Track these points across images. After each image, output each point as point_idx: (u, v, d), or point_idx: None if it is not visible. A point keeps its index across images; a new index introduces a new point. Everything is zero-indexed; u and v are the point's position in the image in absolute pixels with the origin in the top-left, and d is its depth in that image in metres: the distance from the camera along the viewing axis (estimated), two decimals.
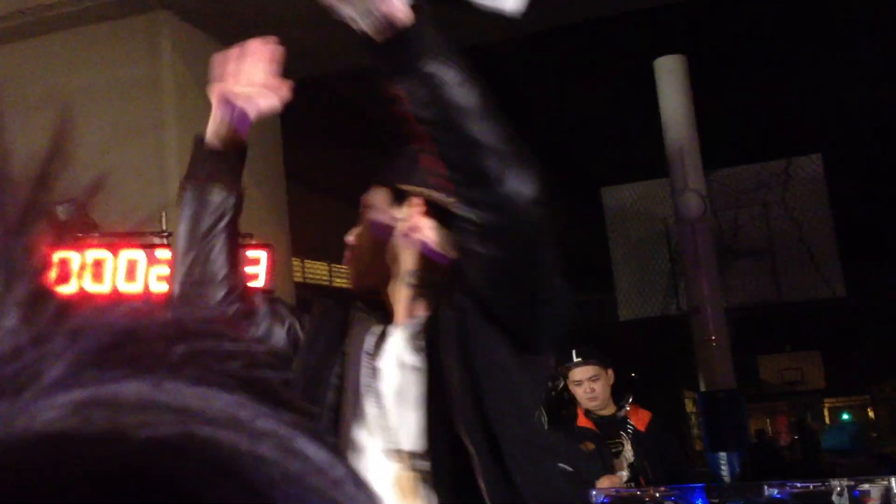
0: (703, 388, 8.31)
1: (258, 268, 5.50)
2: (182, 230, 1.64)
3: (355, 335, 1.67)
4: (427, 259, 1.64)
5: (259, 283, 5.37)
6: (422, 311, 1.63)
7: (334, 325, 1.71)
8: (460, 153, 1.40)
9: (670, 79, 7.76)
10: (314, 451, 0.31)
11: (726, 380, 8.11)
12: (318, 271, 9.29)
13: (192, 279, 1.61)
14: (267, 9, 5.74)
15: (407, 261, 1.65)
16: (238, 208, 1.65)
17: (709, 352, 8.13)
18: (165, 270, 5.37)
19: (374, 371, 1.60)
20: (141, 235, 5.52)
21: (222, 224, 1.62)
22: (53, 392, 0.30)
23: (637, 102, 7.93)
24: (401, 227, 1.65)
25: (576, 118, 8.68)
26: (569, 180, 8.55)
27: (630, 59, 7.66)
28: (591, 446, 4.13)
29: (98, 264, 5.33)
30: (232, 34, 6.14)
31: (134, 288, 5.39)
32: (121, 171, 5.61)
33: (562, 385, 4.56)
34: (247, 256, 5.26)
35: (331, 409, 1.60)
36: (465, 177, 1.41)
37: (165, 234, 5.46)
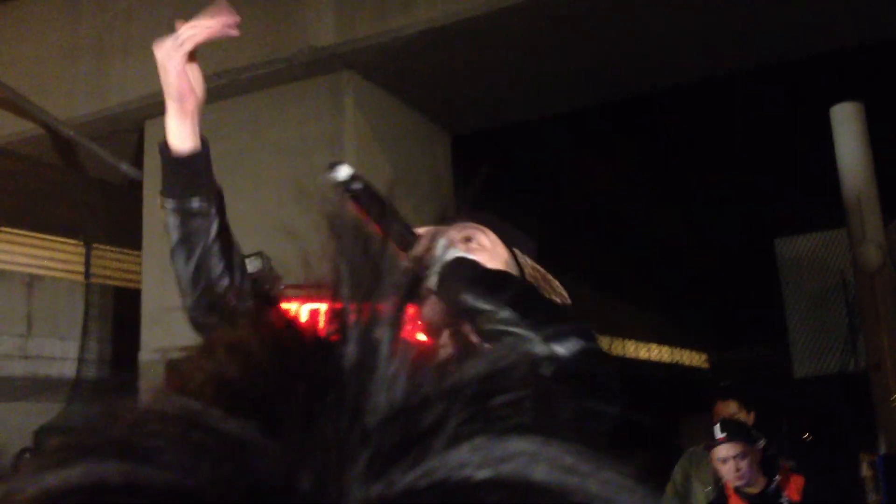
0: (883, 451, 7.89)
1: None
2: (179, 259, 1.57)
3: None
4: None
5: None
6: None
7: None
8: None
9: (847, 126, 7.53)
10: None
11: None
12: None
13: (203, 302, 1.58)
14: (442, 65, 5.94)
15: None
16: (222, 209, 1.61)
17: (890, 411, 7.74)
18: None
19: None
20: (320, 287, 5.71)
21: (212, 237, 1.57)
22: (462, 445, 0.33)
23: (813, 150, 7.74)
24: None
25: (750, 166, 8.53)
26: (743, 230, 8.38)
27: (806, 107, 7.49)
28: None
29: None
30: (410, 91, 6.40)
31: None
32: (304, 225, 5.86)
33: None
34: None
35: None
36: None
37: None
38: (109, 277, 7.15)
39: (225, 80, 6.09)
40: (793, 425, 9.18)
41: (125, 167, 6.51)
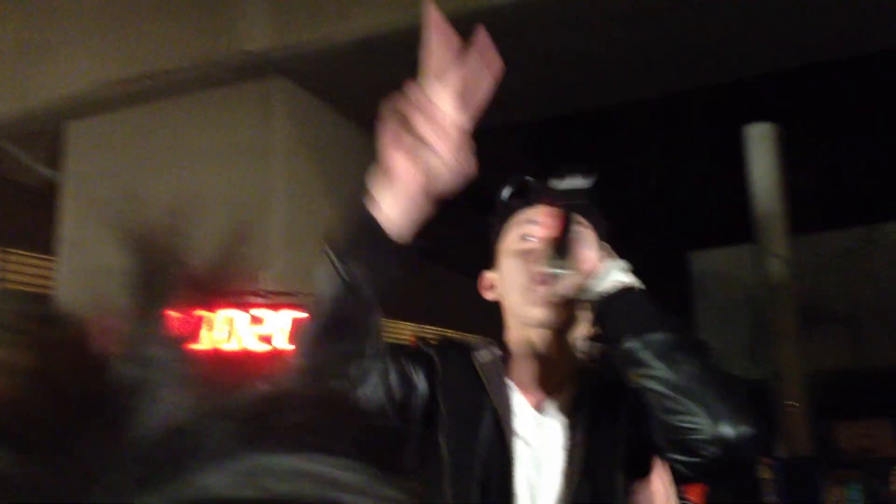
0: (782, 455, 8.22)
1: None
2: (330, 311, 1.40)
3: (495, 389, 1.62)
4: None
5: None
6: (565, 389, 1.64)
7: (468, 371, 1.65)
8: (672, 416, 1.39)
9: (760, 146, 7.81)
10: None
11: (804, 447, 8.04)
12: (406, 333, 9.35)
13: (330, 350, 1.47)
14: (379, 74, 5.89)
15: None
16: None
17: (787, 418, 8.07)
18: (262, 330, 5.48)
19: (537, 463, 1.58)
20: (239, 295, 5.61)
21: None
22: (220, 462, 0.33)
23: (727, 169, 7.99)
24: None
25: (667, 183, 8.75)
26: (657, 245, 8.59)
27: (723, 126, 7.74)
28: None
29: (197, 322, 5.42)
30: (343, 100, 6.31)
31: (231, 346, 5.47)
32: (229, 230, 5.75)
33: None
34: None
35: (484, 465, 1.55)
36: (676, 433, 1.39)
37: (263, 293, 5.56)
38: (24, 283, 6.87)
39: (152, 81, 5.92)
40: None
41: (43, 169, 6.27)
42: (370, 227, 1.39)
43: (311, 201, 6.05)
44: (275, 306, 5.53)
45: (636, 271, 1.57)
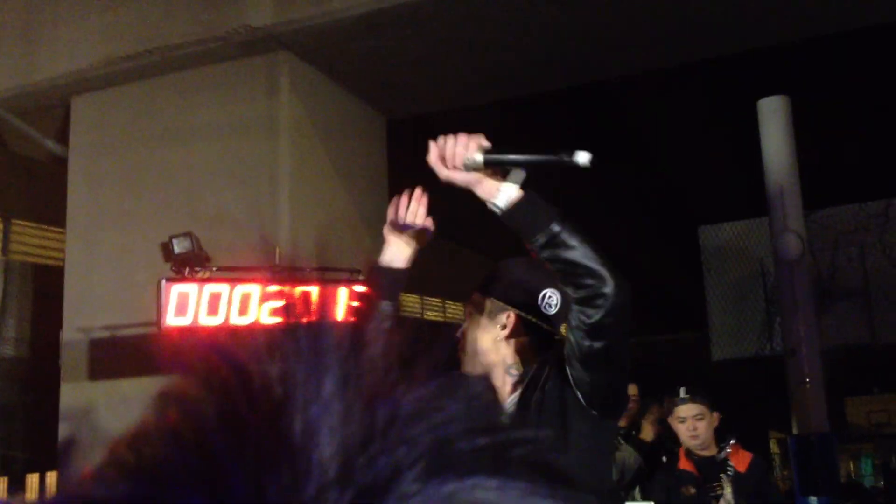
0: (795, 431, 8.18)
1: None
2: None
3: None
4: (520, 353, 2.20)
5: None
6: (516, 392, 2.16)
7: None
8: (574, 278, 1.91)
9: (773, 118, 7.71)
10: None
11: (819, 422, 7.98)
12: (410, 303, 9.40)
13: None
14: (383, 48, 5.87)
15: (506, 355, 2.20)
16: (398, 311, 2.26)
17: (803, 394, 8.01)
18: (277, 305, 5.48)
19: None
20: (255, 270, 5.63)
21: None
22: (413, 494, 0.33)
23: (739, 142, 7.91)
24: (496, 333, 2.20)
25: (678, 156, 8.68)
26: (667, 218, 8.53)
27: (735, 100, 7.65)
28: (691, 491, 4.14)
29: (215, 298, 5.45)
30: (347, 74, 6.31)
31: (246, 321, 5.51)
32: (236, 206, 5.77)
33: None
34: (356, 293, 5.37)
35: None
36: (577, 291, 1.91)
37: (278, 268, 5.59)
38: (29, 254, 6.93)
39: (157, 56, 5.92)
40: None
41: (50, 144, 6.30)
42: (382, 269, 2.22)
43: (317, 175, 6.05)
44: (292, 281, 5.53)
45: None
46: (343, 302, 5.50)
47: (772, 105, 7.70)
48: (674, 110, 7.87)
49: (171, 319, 5.16)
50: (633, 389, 5.02)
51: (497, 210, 1.96)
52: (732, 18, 5.91)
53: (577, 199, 10.63)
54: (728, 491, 4.09)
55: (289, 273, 5.47)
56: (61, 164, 6.32)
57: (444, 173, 2.00)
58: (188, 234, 5.32)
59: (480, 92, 6.54)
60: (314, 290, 5.52)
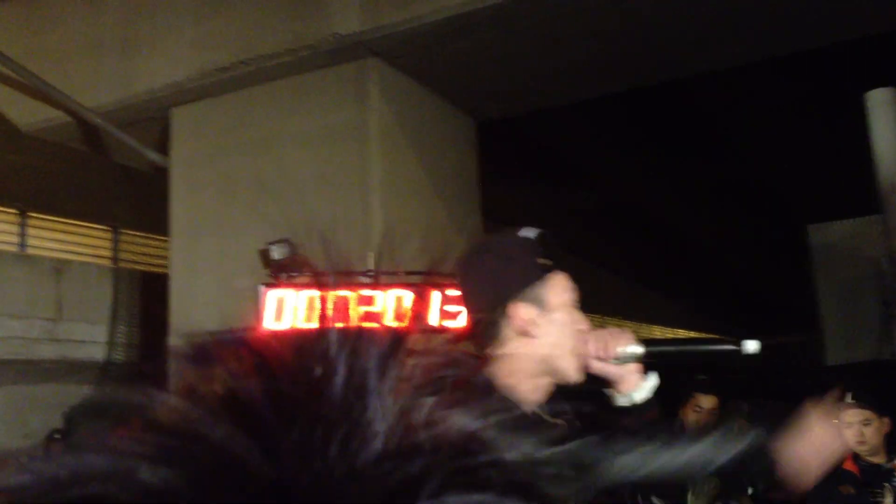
0: None
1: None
2: None
3: None
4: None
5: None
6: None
7: None
8: None
9: (882, 112, 7.38)
10: None
11: None
12: None
13: None
14: (468, 52, 5.87)
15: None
16: None
17: None
18: (371, 309, 5.53)
19: None
20: (348, 275, 5.68)
21: None
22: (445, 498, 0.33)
23: (847, 136, 7.59)
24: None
25: (783, 153, 8.39)
26: (775, 217, 8.26)
27: (840, 93, 7.35)
28: (849, 490, 3.97)
29: (311, 302, 5.52)
30: (435, 78, 6.32)
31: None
32: (328, 212, 5.85)
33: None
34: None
35: None
36: None
37: (371, 273, 5.62)
38: (136, 262, 7.19)
39: (250, 67, 6.08)
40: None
41: (151, 154, 6.53)
42: None
43: (408, 179, 6.09)
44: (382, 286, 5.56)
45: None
46: (436, 306, 5.52)
47: (881, 97, 7.38)
48: (774, 106, 7.60)
49: (270, 324, 5.27)
50: (711, 401, 4.84)
51: (629, 403, 1.92)
52: (837, 7, 5.67)
53: (682, 201, 10.42)
54: (890, 500, 3.91)
55: (382, 278, 5.50)
56: (162, 173, 6.54)
57: (596, 366, 1.91)
58: (286, 241, 5.42)
59: (569, 91, 6.47)
60: (407, 295, 5.59)
